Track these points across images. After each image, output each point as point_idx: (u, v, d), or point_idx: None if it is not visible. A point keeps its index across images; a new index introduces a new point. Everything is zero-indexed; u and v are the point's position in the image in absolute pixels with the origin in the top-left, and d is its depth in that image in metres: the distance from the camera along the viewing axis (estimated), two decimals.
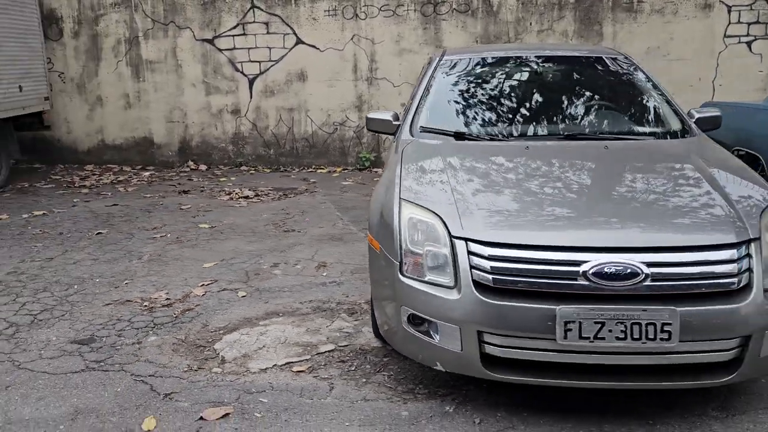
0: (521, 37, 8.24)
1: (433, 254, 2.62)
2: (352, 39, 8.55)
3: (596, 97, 3.80)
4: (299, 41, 8.67)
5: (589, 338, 2.35)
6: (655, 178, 2.92)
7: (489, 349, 2.51)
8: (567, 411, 2.71)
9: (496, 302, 2.43)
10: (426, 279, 2.61)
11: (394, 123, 3.90)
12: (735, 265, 2.41)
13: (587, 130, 3.53)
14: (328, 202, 6.83)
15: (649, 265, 2.38)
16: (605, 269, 2.37)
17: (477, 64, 4.18)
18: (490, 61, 4.18)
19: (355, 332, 3.55)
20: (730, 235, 2.47)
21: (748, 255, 2.45)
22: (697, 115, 3.79)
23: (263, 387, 2.98)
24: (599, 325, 2.34)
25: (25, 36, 8.28)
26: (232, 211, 6.53)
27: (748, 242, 2.47)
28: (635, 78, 3.96)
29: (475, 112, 3.80)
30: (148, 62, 9.04)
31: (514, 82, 3.96)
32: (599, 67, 4.05)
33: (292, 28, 8.64)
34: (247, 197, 7.14)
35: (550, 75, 3.99)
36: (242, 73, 8.88)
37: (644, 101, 3.79)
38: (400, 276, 2.69)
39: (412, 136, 3.67)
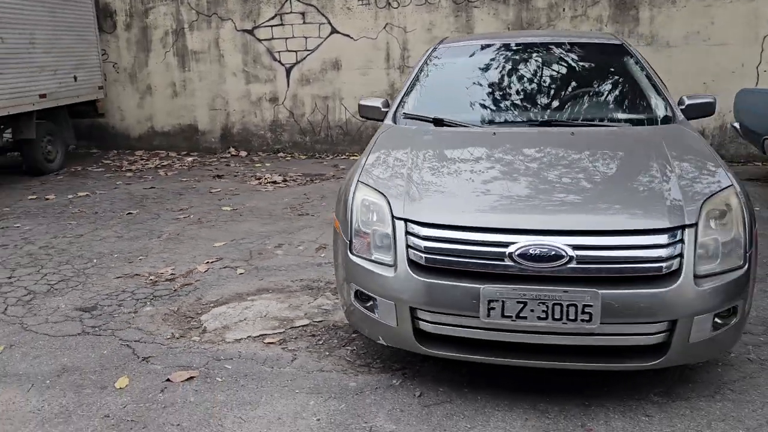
0: (554, 23, 8.13)
1: (379, 234, 2.75)
2: (384, 28, 8.68)
3: (580, 84, 3.79)
4: (334, 30, 8.87)
5: (511, 317, 2.43)
6: (609, 163, 2.93)
7: (422, 325, 2.63)
8: (506, 389, 2.79)
9: (427, 280, 2.55)
10: (373, 258, 2.75)
11: (382, 110, 4.03)
12: (664, 250, 2.43)
13: (562, 117, 3.55)
14: None
15: (575, 248, 2.43)
16: (530, 251, 2.44)
17: (469, 52, 4.24)
18: (481, 49, 4.23)
19: (333, 309, 3.72)
20: (661, 220, 2.48)
21: (681, 241, 2.46)
22: (687, 102, 3.74)
23: (232, 355, 3.21)
24: (521, 305, 2.42)
25: (81, 29, 8.85)
26: (257, 195, 6.82)
27: (682, 228, 2.48)
28: (626, 65, 3.92)
29: (457, 100, 3.87)
30: (192, 52, 9.48)
31: (501, 71, 4.00)
32: (590, 55, 4.04)
33: (327, 18, 8.84)
34: (275, 182, 7.42)
35: (539, 63, 4.00)
36: (280, 62, 9.17)
37: (630, 88, 3.76)
38: (350, 254, 2.84)
39: (394, 122, 3.79)
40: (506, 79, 3.89)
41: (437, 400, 2.75)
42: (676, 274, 2.42)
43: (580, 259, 2.42)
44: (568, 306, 2.39)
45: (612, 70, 3.89)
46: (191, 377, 2.99)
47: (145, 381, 2.98)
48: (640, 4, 7.83)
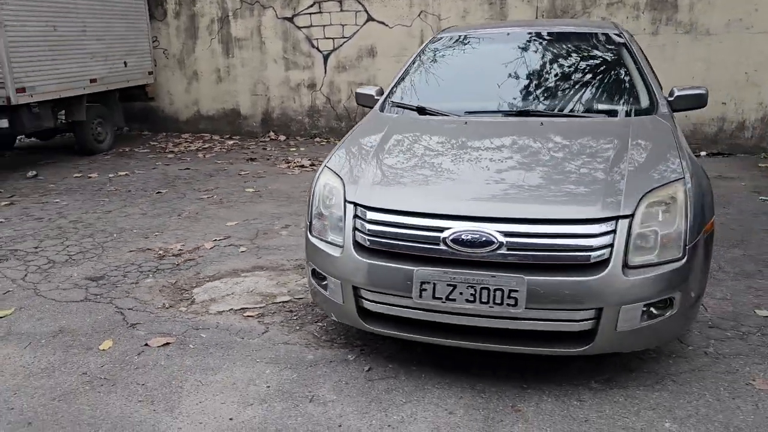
0: (589, 10, 7.98)
1: (334, 217, 2.91)
2: (419, 15, 8.74)
3: (563, 75, 3.79)
4: (370, 18, 9.00)
5: (441, 299, 2.54)
6: (565, 154, 2.97)
7: (365, 303, 2.78)
8: (452, 369, 2.91)
9: (369, 261, 2.69)
10: (328, 240, 2.91)
11: (375, 98, 4.16)
12: (593, 239, 2.48)
13: (540, 108, 3.57)
14: None
15: (506, 234, 2.51)
16: (462, 236, 2.54)
17: (462, 43, 4.30)
18: (474, 40, 4.28)
19: None
20: (594, 210, 2.52)
21: (613, 231, 2.50)
22: (676, 93, 3.70)
23: (210, 325, 3.45)
24: (451, 288, 2.53)
25: (132, 18, 9.35)
26: (282, 178, 7.09)
27: (616, 219, 2.51)
28: (616, 55, 3.89)
29: (442, 89, 3.95)
30: (236, 40, 9.83)
31: (488, 61, 4.05)
32: (581, 45, 4.02)
33: (363, 6, 8.98)
34: (302, 166, 7.67)
35: (526, 53, 4.02)
36: (317, 49, 9.39)
37: (614, 79, 3.73)
38: (309, 235, 3.01)
39: (381, 110, 3.92)
40: (491, 69, 3.94)
41: (383, 375, 2.90)
42: (605, 263, 2.47)
43: (510, 246, 2.50)
44: (494, 290, 2.48)
45: (600, 60, 3.88)
46: (167, 343, 3.25)
47: (127, 344, 3.26)
48: None
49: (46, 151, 9.09)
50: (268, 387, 2.83)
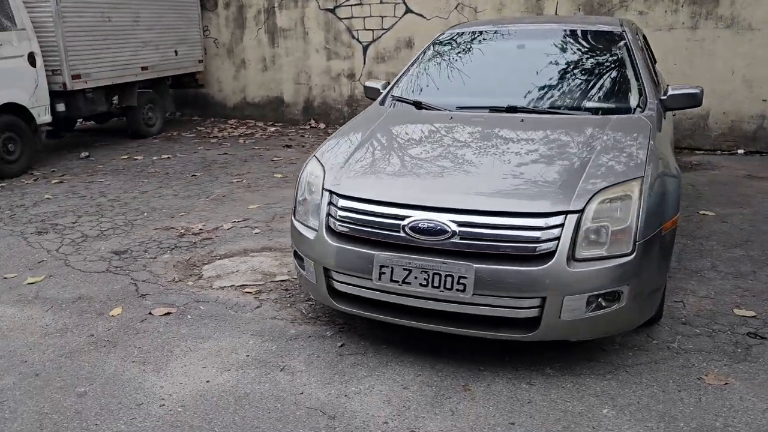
0: (627, 3, 7.87)
1: (314, 203, 3.15)
2: (456, 8, 8.83)
3: (557, 72, 3.88)
4: (408, 10, 9.15)
5: (398, 282, 2.75)
6: (534, 150, 3.10)
7: (335, 284, 3.01)
8: (419, 350, 3.10)
9: (337, 245, 2.92)
10: (309, 224, 3.16)
11: (381, 91, 4.36)
12: (539, 232, 2.62)
13: (526, 105, 3.67)
14: None
15: (460, 224, 2.69)
16: (419, 225, 2.73)
17: (466, 39, 4.43)
18: (477, 37, 4.41)
19: None
20: (543, 204, 2.66)
21: (560, 225, 2.63)
22: (670, 92, 3.73)
23: (210, 299, 3.76)
24: (407, 272, 2.72)
25: (184, 8, 9.83)
26: None
27: (564, 213, 2.64)
28: (613, 53, 3.95)
29: (440, 84, 4.11)
30: (281, 30, 10.17)
31: (485, 58, 4.18)
32: (580, 42, 4.10)
33: None
34: None
35: (524, 51, 4.12)
36: (357, 40, 9.62)
37: (606, 77, 3.80)
38: (293, 218, 3.26)
39: (381, 104, 4.12)
40: (488, 66, 4.07)
41: (354, 351, 3.13)
42: (551, 255, 2.60)
43: (463, 235, 2.68)
44: (445, 276, 2.66)
45: (595, 58, 3.94)
46: (168, 313, 3.58)
47: (133, 312, 3.61)
48: None
49: (102, 134, 9.72)
50: (248, 356, 3.10)
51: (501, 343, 3.07)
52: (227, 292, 3.85)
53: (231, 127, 10.15)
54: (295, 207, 3.28)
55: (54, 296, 3.85)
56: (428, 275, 2.69)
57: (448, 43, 4.46)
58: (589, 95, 3.72)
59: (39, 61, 7.21)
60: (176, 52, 9.68)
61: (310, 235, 3.06)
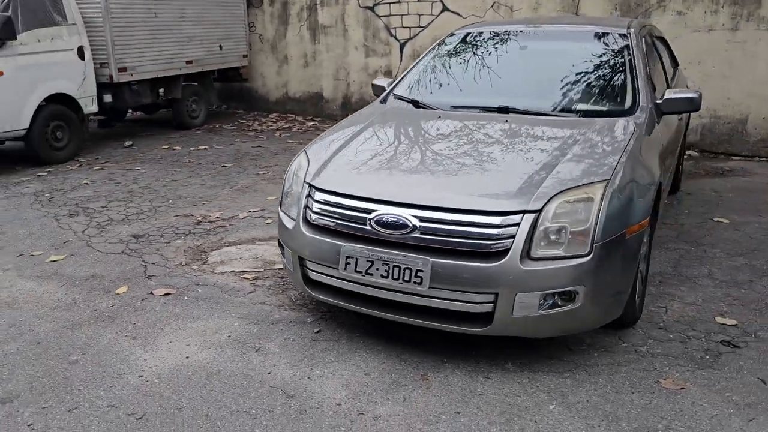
0: (665, 4, 7.70)
1: (296, 194, 3.32)
2: (492, 6, 8.83)
3: (552, 74, 3.91)
4: (445, 8, 9.22)
5: (361, 272, 2.88)
6: (507, 150, 3.17)
7: (309, 273, 3.17)
8: (391, 341, 3.22)
9: (311, 236, 3.08)
10: (290, 214, 3.33)
11: (386, 89, 4.50)
12: (495, 230, 2.70)
13: (517, 105, 3.72)
14: None
15: (421, 219, 2.80)
16: (383, 219, 2.86)
17: (471, 40, 4.50)
18: (482, 37, 4.47)
19: None
20: (500, 203, 2.74)
21: (517, 224, 2.70)
22: (666, 96, 3.72)
23: (208, 283, 3.99)
24: (370, 263, 2.86)
25: (230, 4, 10.21)
26: None
27: (522, 213, 2.71)
28: (613, 55, 3.95)
29: (440, 84, 4.21)
30: (322, 27, 10.41)
31: (487, 58, 4.23)
32: (582, 44, 4.11)
33: None
34: None
35: (525, 52, 4.17)
36: (395, 37, 9.75)
37: (601, 80, 3.81)
38: (279, 209, 3.45)
39: (382, 102, 4.26)
40: (488, 66, 4.13)
41: (328, 337, 3.28)
42: (505, 252, 2.68)
43: (423, 230, 2.79)
44: (404, 269, 2.78)
45: (593, 60, 3.94)
46: (167, 293, 3.83)
47: (137, 291, 3.88)
48: None
49: (149, 125, 10.21)
50: (229, 336, 3.31)
51: (468, 338, 3.16)
52: (226, 277, 4.07)
53: (271, 121, 10.47)
54: (281, 199, 3.46)
55: (70, 273, 4.17)
56: (389, 267, 2.81)
57: (455, 43, 4.54)
58: (581, 98, 3.74)
59: (87, 54, 7.68)
60: (221, 47, 10.06)
61: (290, 225, 3.24)
